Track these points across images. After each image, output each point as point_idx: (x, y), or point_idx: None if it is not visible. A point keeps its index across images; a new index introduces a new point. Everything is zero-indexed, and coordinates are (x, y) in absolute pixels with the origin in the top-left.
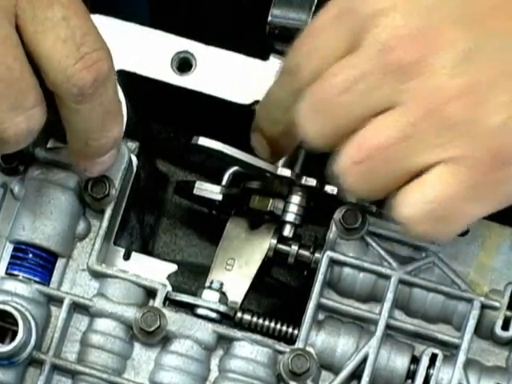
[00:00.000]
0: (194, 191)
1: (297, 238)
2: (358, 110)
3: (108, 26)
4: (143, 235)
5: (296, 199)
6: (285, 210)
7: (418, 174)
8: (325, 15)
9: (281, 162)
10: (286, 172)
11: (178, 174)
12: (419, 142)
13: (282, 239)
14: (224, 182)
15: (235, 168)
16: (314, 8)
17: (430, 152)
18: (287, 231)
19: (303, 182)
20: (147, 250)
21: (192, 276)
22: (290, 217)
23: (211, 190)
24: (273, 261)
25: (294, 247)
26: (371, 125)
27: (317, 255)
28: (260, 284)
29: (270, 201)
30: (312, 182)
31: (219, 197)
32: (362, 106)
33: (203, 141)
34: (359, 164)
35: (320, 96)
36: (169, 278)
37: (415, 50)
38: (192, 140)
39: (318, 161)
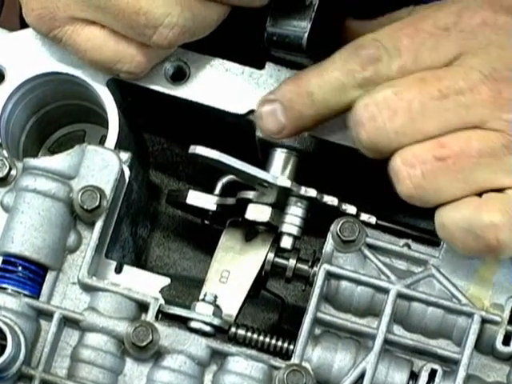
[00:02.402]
0: (187, 200)
1: (295, 251)
2: (449, 119)
3: None
4: (136, 248)
5: (295, 210)
6: (283, 221)
7: (486, 191)
8: (436, 20)
9: (278, 173)
10: (286, 182)
11: (172, 186)
12: (506, 166)
13: (280, 252)
14: (217, 191)
15: (229, 177)
16: (313, 15)
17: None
18: (286, 243)
19: (303, 192)
20: (140, 263)
21: (186, 290)
22: (288, 228)
23: (205, 200)
24: (269, 273)
25: (292, 261)
26: (462, 133)
27: (315, 269)
28: (255, 297)
29: (268, 211)
30: (312, 192)
31: (213, 206)
32: (454, 117)
33: (201, 150)
34: (440, 160)
35: (416, 95)
36: (162, 291)
37: None
38: (189, 149)
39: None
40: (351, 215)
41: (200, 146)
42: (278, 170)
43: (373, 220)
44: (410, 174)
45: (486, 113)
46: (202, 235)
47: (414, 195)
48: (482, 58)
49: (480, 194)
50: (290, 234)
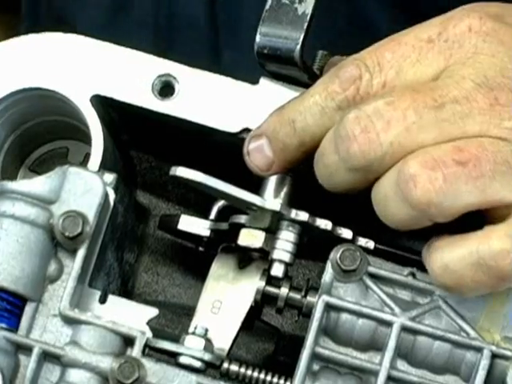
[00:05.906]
0: (179, 226)
1: (287, 279)
2: (447, 129)
3: (83, 46)
4: (122, 274)
5: (287, 235)
6: (274, 247)
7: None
8: (418, 33)
9: (269, 195)
10: (274, 205)
11: (161, 207)
12: None
13: (272, 280)
14: (212, 216)
15: (224, 201)
16: (306, 25)
17: None
18: (277, 270)
19: (293, 215)
20: (126, 290)
21: (175, 318)
22: (279, 254)
23: (198, 225)
24: (260, 303)
25: (284, 290)
26: (471, 139)
27: (309, 299)
28: (249, 328)
29: (261, 237)
30: (304, 216)
31: (207, 232)
32: (453, 127)
33: (182, 171)
34: (460, 165)
35: (410, 104)
36: (150, 320)
37: None
38: (170, 171)
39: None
40: (348, 240)
41: (181, 167)
42: (272, 194)
43: (371, 245)
44: (431, 176)
45: (486, 120)
46: (193, 260)
47: (434, 201)
48: (472, 67)
49: (478, 224)
50: (281, 261)
